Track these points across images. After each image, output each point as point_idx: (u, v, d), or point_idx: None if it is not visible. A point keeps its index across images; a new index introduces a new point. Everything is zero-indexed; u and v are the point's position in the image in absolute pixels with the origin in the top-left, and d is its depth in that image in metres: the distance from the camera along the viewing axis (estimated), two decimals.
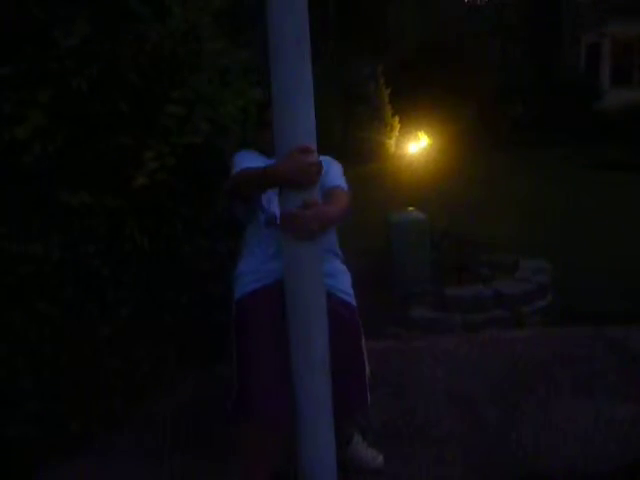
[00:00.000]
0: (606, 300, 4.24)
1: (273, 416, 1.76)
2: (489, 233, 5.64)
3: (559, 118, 13.12)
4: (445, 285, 4.27)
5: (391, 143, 12.83)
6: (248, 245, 2.05)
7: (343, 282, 2.05)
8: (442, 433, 2.38)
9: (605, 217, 6.83)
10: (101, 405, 2.37)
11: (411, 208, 4.92)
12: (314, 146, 1.68)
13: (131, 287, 2.51)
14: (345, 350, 1.88)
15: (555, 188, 8.60)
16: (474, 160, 10.76)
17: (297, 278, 1.74)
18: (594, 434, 2.32)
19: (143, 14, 2.32)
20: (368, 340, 2.04)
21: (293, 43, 1.60)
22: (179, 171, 2.42)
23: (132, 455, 2.31)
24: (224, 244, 2.77)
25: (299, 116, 1.65)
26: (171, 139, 2.33)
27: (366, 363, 1.98)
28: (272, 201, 1.98)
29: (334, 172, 2.06)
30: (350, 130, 11.81)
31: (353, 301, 2.04)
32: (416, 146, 12.33)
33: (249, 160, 2.00)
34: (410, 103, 12.30)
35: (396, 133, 12.95)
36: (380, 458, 2.19)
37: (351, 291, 2.06)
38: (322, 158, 1.74)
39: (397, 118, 12.86)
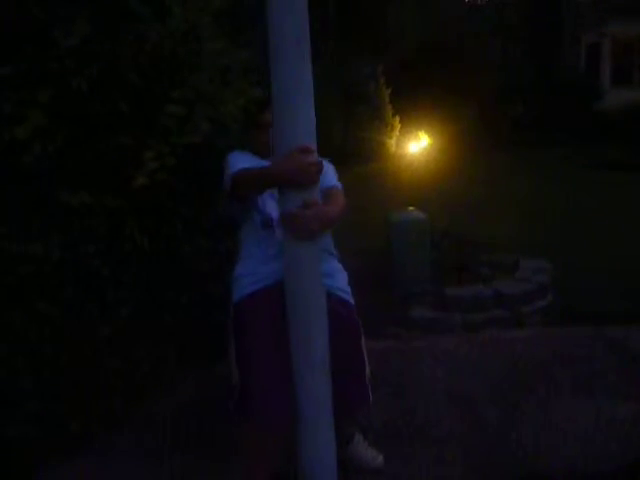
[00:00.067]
0: (606, 300, 4.24)
1: (274, 416, 1.76)
2: (489, 233, 5.63)
3: (559, 118, 13.12)
4: (445, 285, 4.27)
5: (391, 143, 12.83)
6: (245, 247, 2.05)
7: (341, 281, 2.05)
8: (442, 433, 2.38)
9: (605, 217, 6.83)
10: (101, 405, 2.37)
11: (411, 208, 4.92)
12: (314, 146, 1.68)
13: (131, 287, 2.51)
14: (345, 349, 1.88)
15: (555, 188, 8.60)
16: (474, 160, 10.76)
17: (297, 278, 1.74)
18: (594, 434, 2.31)
19: (143, 14, 2.32)
20: (368, 340, 2.05)
21: (293, 43, 1.60)
22: (179, 171, 2.42)
23: (132, 455, 2.31)
24: (224, 244, 2.77)
25: (299, 116, 1.64)
26: (171, 139, 2.33)
27: (366, 361, 1.98)
28: (267, 203, 1.99)
29: (331, 173, 2.07)
30: (350, 130, 11.81)
31: (351, 299, 2.05)
32: (416, 146, 12.32)
33: (244, 161, 2.01)
34: (410, 103, 12.29)
35: (396, 133, 12.95)
36: (380, 458, 2.19)
37: (348, 289, 2.07)
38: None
39: (397, 118, 12.86)
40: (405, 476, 2.15)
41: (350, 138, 11.70)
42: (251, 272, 1.97)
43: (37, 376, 2.22)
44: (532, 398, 2.58)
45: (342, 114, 11.55)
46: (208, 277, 2.73)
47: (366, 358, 1.99)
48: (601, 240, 5.86)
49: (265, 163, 2.01)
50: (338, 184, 2.06)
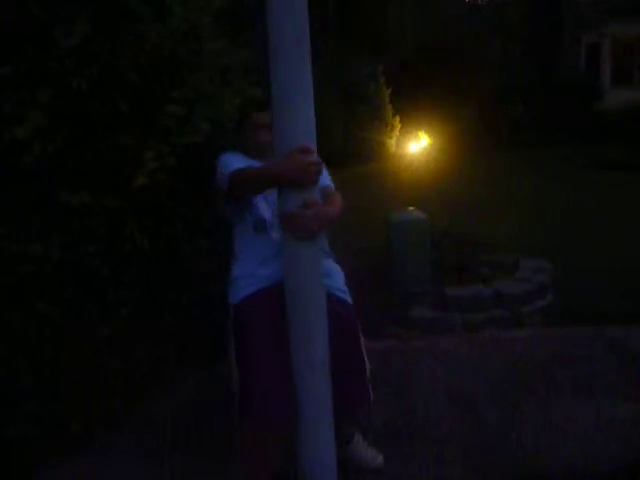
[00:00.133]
0: (606, 300, 4.24)
1: (274, 416, 1.76)
2: (489, 233, 5.63)
3: (559, 118, 13.12)
4: (445, 285, 4.27)
5: (392, 143, 12.83)
6: (241, 249, 2.05)
7: (339, 281, 2.06)
8: (442, 433, 2.38)
9: (605, 217, 6.83)
10: (101, 405, 2.37)
11: (411, 208, 4.92)
12: (314, 146, 1.68)
13: (131, 287, 2.51)
14: (345, 348, 1.89)
15: (555, 188, 8.60)
16: (474, 160, 10.76)
17: (297, 278, 1.74)
18: (594, 434, 2.31)
19: (143, 14, 2.32)
20: (368, 340, 2.05)
21: (293, 43, 1.60)
22: (179, 171, 2.42)
23: (132, 455, 2.31)
24: (224, 244, 2.76)
25: (299, 116, 1.65)
26: (171, 139, 2.33)
27: (366, 360, 1.98)
28: (260, 205, 1.98)
29: (325, 173, 2.07)
30: (351, 130, 11.81)
31: (349, 299, 2.05)
32: (416, 146, 12.32)
33: (237, 161, 2.00)
34: (410, 103, 12.29)
35: (397, 133, 12.95)
36: (380, 458, 2.19)
37: (346, 289, 2.07)
38: None
39: (397, 118, 12.86)
40: (405, 476, 2.15)
41: (350, 138, 11.70)
42: (249, 274, 1.97)
43: (37, 376, 2.22)
44: (532, 398, 2.57)
45: (342, 114, 11.55)
46: (208, 277, 2.73)
47: (366, 357, 1.99)
48: (601, 240, 5.86)
49: (257, 164, 2.01)
50: (332, 184, 2.07)
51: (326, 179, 2.05)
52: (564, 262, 4.87)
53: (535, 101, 13.78)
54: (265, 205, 1.99)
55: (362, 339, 2.01)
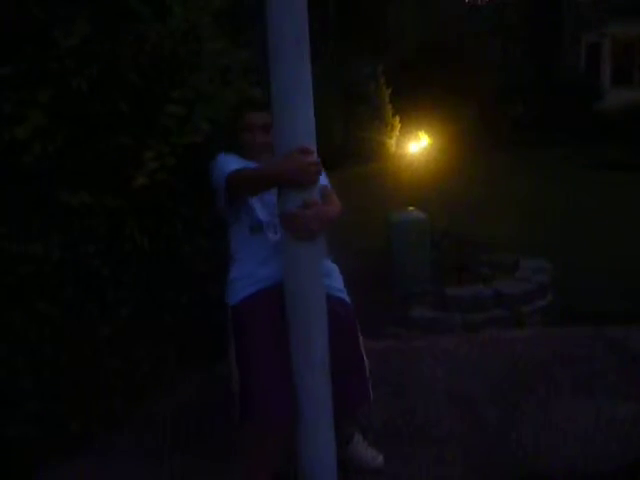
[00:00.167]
0: (606, 300, 4.24)
1: (274, 417, 1.76)
2: (489, 233, 5.64)
3: (559, 118, 13.12)
4: (445, 285, 4.27)
5: (392, 143, 12.83)
6: (237, 250, 2.05)
7: (337, 280, 2.06)
8: (442, 433, 2.38)
9: (605, 217, 6.84)
10: (101, 405, 2.37)
11: (411, 208, 4.92)
12: (314, 146, 1.68)
13: (131, 287, 2.51)
14: (344, 348, 1.89)
15: (555, 188, 8.60)
16: (474, 160, 10.76)
17: (297, 279, 1.74)
18: (594, 434, 2.31)
19: (143, 14, 2.32)
20: (368, 340, 2.05)
21: (292, 43, 1.60)
22: (179, 171, 2.42)
23: (132, 455, 2.31)
24: (224, 244, 2.76)
25: (298, 116, 1.65)
26: (171, 139, 2.33)
27: (365, 360, 1.98)
28: (256, 207, 1.98)
29: (322, 173, 2.07)
30: (351, 130, 11.81)
31: (347, 298, 2.05)
32: (416, 146, 12.33)
33: (233, 163, 2.00)
34: (410, 103, 12.29)
35: (396, 133, 12.95)
36: (380, 458, 2.19)
37: (344, 289, 2.07)
38: None
39: (397, 118, 12.87)
40: (405, 476, 2.15)
41: (350, 138, 11.70)
42: (247, 275, 1.97)
43: (37, 376, 2.22)
44: (532, 398, 2.57)
45: (342, 114, 11.55)
46: (208, 277, 2.73)
47: (365, 357, 1.99)
48: (601, 240, 5.86)
49: (252, 165, 2.01)
50: (329, 184, 2.07)
51: (323, 179, 2.04)
52: (564, 262, 4.88)
53: (535, 101, 13.78)
54: (261, 206, 1.99)
55: (361, 339, 2.01)
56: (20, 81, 2.08)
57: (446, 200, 7.22)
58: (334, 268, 2.10)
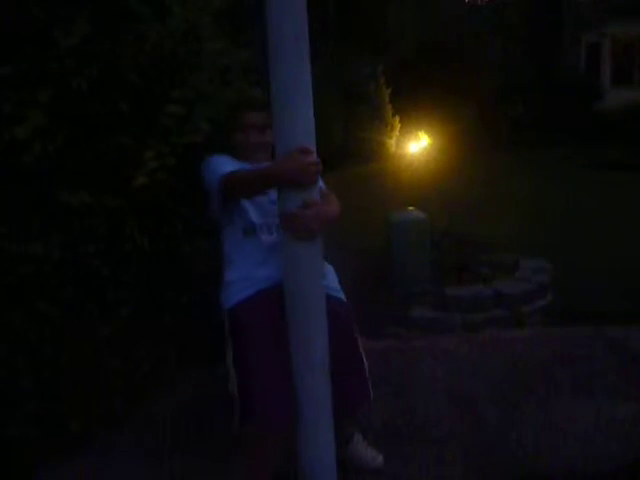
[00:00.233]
0: (606, 300, 4.24)
1: (274, 417, 1.76)
2: (489, 233, 5.64)
3: (559, 118, 13.13)
4: (445, 285, 4.28)
5: (391, 143, 12.84)
6: (231, 252, 2.03)
7: (333, 280, 2.06)
8: (442, 433, 2.38)
9: (605, 217, 6.84)
10: (101, 405, 2.37)
11: (411, 208, 4.92)
12: (313, 146, 1.68)
13: (131, 287, 2.51)
14: (344, 348, 1.89)
15: (555, 188, 8.60)
16: (474, 160, 10.77)
17: (296, 279, 1.74)
18: (594, 434, 2.31)
19: (143, 14, 2.32)
20: (368, 340, 2.05)
21: (292, 43, 1.60)
22: (179, 171, 2.42)
23: (132, 455, 2.31)
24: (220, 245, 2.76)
25: (298, 116, 1.65)
26: (171, 139, 2.33)
27: (364, 359, 1.98)
28: (249, 209, 1.97)
29: None
30: (351, 130, 11.81)
31: (344, 297, 2.05)
32: (416, 146, 12.34)
33: (227, 164, 1.99)
34: (410, 103, 12.30)
35: (396, 133, 12.96)
36: (380, 458, 2.19)
37: (340, 288, 2.07)
38: None
39: (397, 118, 12.87)
40: (405, 476, 2.15)
41: (350, 138, 11.71)
42: (243, 278, 1.95)
43: (37, 376, 2.22)
44: (532, 398, 2.57)
45: (342, 114, 11.55)
46: (208, 277, 2.73)
47: (364, 356, 1.99)
48: (601, 240, 5.86)
49: (247, 166, 2.01)
50: (323, 186, 2.06)
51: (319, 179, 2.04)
52: (564, 262, 4.88)
53: (535, 101, 13.79)
54: (253, 208, 1.98)
55: (359, 338, 2.01)
56: (20, 81, 2.08)
57: (446, 200, 7.22)
58: (330, 268, 2.09)
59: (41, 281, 2.21)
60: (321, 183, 2.04)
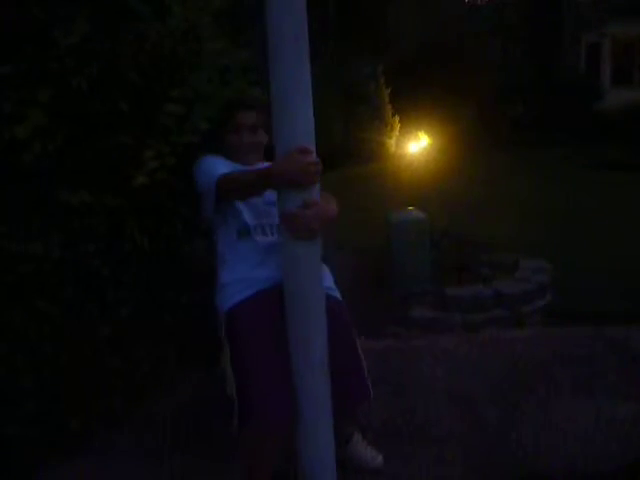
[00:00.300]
0: (606, 300, 4.25)
1: (275, 418, 1.76)
2: (489, 233, 5.64)
3: (559, 118, 13.13)
4: (445, 285, 4.28)
5: (391, 143, 12.84)
6: (225, 254, 2.02)
7: (328, 279, 2.05)
8: (442, 433, 2.38)
9: (605, 217, 6.84)
10: (101, 405, 2.37)
11: (411, 208, 4.93)
12: (313, 146, 1.68)
13: (131, 287, 2.51)
14: (343, 347, 1.88)
15: (555, 188, 8.60)
16: (474, 160, 10.77)
17: (296, 279, 1.74)
18: (594, 434, 2.31)
19: (143, 13, 2.31)
20: (368, 340, 2.05)
21: (292, 43, 1.60)
22: (179, 171, 2.42)
23: (132, 455, 2.31)
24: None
25: (298, 116, 1.64)
26: (171, 138, 2.33)
27: (362, 357, 1.98)
28: (243, 210, 1.97)
29: None
30: (350, 130, 11.82)
31: (339, 296, 2.05)
32: (416, 146, 12.34)
33: (221, 164, 1.99)
34: (410, 103, 12.30)
35: (396, 133, 12.96)
36: (379, 457, 2.18)
37: (335, 287, 2.07)
38: None
39: (397, 118, 12.87)
40: (405, 476, 2.15)
41: (350, 138, 11.71)
42: (239, 280, 1.95)
43: (37, 375, 2.22)
44: (532, 398, 2.57)
45: (342, 114, 11.55)
46: (208, 277, 2.73)
47: (362, 354, 1.98)
48: (601, 240, 5.86)
49: (239, 167, 2.00)
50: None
51: None
52: (564, 262, 4.88)
53: (535, 101, 13.79)
54: (248, 209, 1.98)
55: (356, 336, 2.01)
56: (20, 80, 2.08)
57: (446, 200, 7.22)
58: (324, 267, 2.09)
59: (41, 280, 2.21)
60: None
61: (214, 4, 2.59)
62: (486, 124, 13.06)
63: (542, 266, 4.61)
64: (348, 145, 11.45)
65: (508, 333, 3.49)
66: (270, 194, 1.87)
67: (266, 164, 2.07)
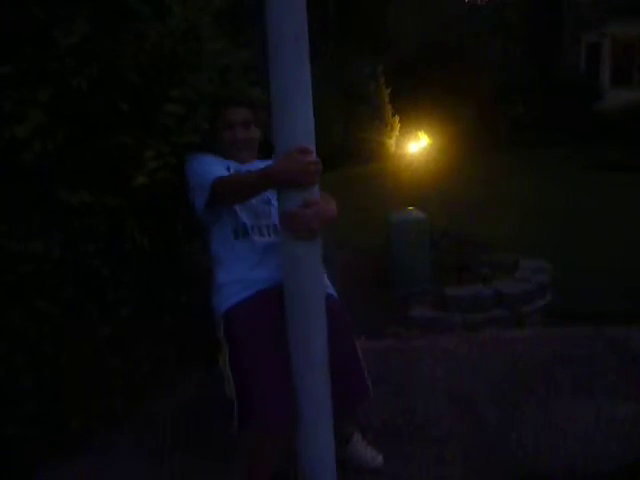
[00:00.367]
0: (606, 300, 4.25)
1: (275, 419, 1.76)
2: (489, 233, 5.64)
3: (559, 118, 13.13)
4: (445, 285, 4.28)
5: (391, 143, 12.85)
6: (220, 253, 2.01)
7: (326, 279, 2.04)
8: (442, 433, 2.38)
9: (605, 217, 6.84)
10: (101, 404, 2.37)
11: (411, 208, 4.93)
12: (313, 146, 1.68)
13: (131, 287, 2.50)
14: (343, 347, 1.88)
15: (555, 188, 8.61)
16: (474, 160, 10.77)
17: (296, 279, 1.74)
18: (594, 434, 2.31)
19: (143, 13, 2.31)
20: (368, 340, 2.05)
21: (292, 43, 1.60)
22: (179, 171, 2.42)
23: (132, 455, 2.31)
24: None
25: (297, 116, 1.64)
26: (171, 138, 2.33)
27: (361, 356, 1.98)
28: (239, 211, 1.96)
29: None
30: (350, 130, 11.82)
31: (336, 295, 2.05)
32: (416, 146, 12.35)
33: (215, 164, 1.98)
34: (410, 103, 12.31)
35: (396, 133, 12.97)
36: (379, 457, 2.19)
37: (332, 285, 2.07)
38: None
39: (397, 118, 12.87)
40: (405, 476, 2.15)
41: (350, 138, 11.72)
42: (236, 280, 1.94)
43: (37, 375, 2.22)
44: (532, 398, 2.57)
45: (342, 114, 11.56)
46: (208, 277, 2.73)
47: (360, 353, 1.98)
48: (601, 240, 5.87)
49: (233, 163, 2.00)
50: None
51: None
52: (564, 262, 4.88)
53: (535, 101, 13.80)
54: (245, 209, 1.97)
55: (355, 335, 2.01)
56: (20, 80, 2.08)
57: (446, 200, 7.23)
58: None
59: (41, 280, 2.21)
60: None
61: (214, 4, 2.59)
62: (486, 124, 13.06)
63: (542, 266, 4.61)
64: (348, 145, 11.46)
65: (508, 333, 3.49)
66: (267, 193, 1.87)
67: (260, 161, 2.07)
